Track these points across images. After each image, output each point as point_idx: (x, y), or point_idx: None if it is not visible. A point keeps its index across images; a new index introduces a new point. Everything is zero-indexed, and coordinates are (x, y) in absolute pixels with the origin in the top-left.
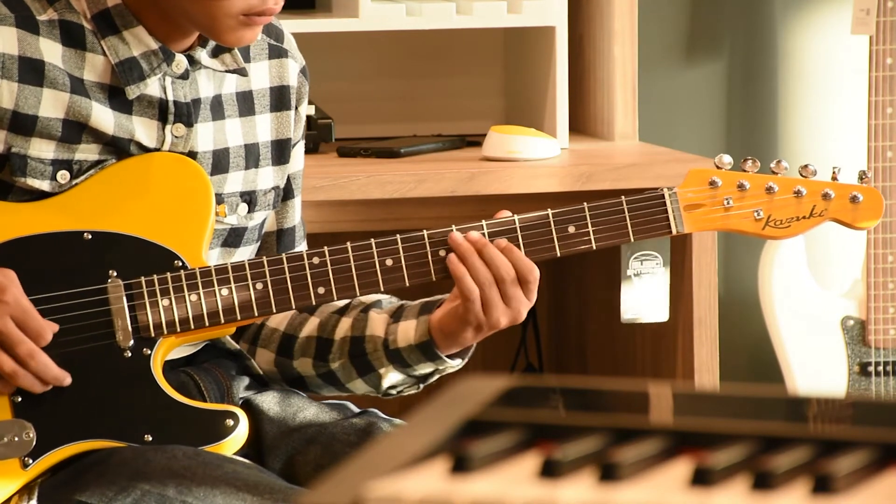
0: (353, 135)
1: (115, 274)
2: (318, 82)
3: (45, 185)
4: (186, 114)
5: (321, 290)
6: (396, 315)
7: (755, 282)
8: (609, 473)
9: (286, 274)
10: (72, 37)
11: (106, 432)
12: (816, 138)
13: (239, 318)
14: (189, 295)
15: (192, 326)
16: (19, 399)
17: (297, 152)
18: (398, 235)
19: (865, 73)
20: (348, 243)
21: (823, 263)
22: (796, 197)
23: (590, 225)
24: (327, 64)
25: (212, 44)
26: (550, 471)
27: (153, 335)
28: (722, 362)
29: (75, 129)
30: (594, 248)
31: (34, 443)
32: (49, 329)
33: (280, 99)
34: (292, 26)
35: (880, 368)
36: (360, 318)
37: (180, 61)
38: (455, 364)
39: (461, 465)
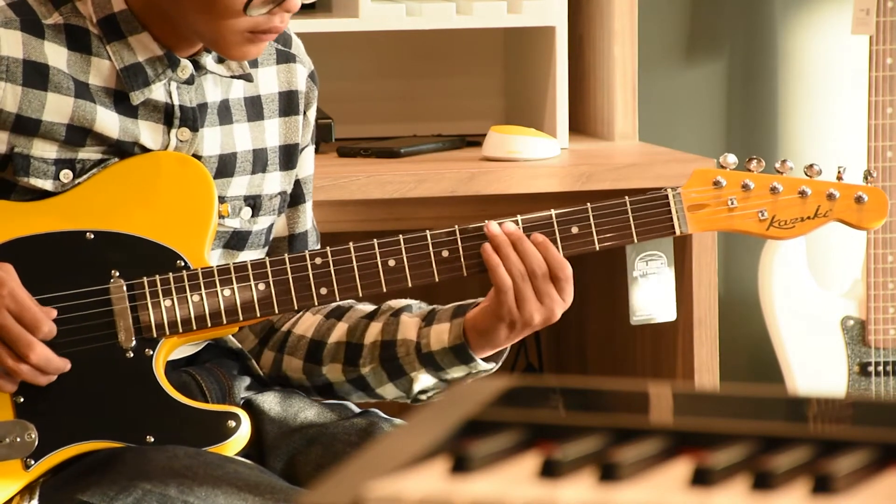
0: (353, 135)
1: (117, 274)
2: (319, 82)
3: (47, 185)
4: (192, 118)
5: (323, 291)
6: (429, 318)
7: (755, 282)
8: (609, 473)
9: (289, 274)
10: (77, 41)
11: (108, 433)
12: (816, 138)
13: (241, 318)
14: (191, 295)
15: (195, 327)
16: (21, 400)
17: (307, 157)
18: (401, 236)
19: (865, 73)
20: (351, 244)
21: (823, 263)
22: (801, 197)
23: (593, 226)
24: (327, 64)
25: None
26: (550, 471)
27: (155, 335)
28: (722, 362)
29: (79, 133)
30: (597, 248)
31: (36, 444)
32: (45, 318)
33: (289, 104)
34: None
35: (880, 368)
36: (391, 321)
37: (186, 67)
38: (488, 367)
39: (461, 465)
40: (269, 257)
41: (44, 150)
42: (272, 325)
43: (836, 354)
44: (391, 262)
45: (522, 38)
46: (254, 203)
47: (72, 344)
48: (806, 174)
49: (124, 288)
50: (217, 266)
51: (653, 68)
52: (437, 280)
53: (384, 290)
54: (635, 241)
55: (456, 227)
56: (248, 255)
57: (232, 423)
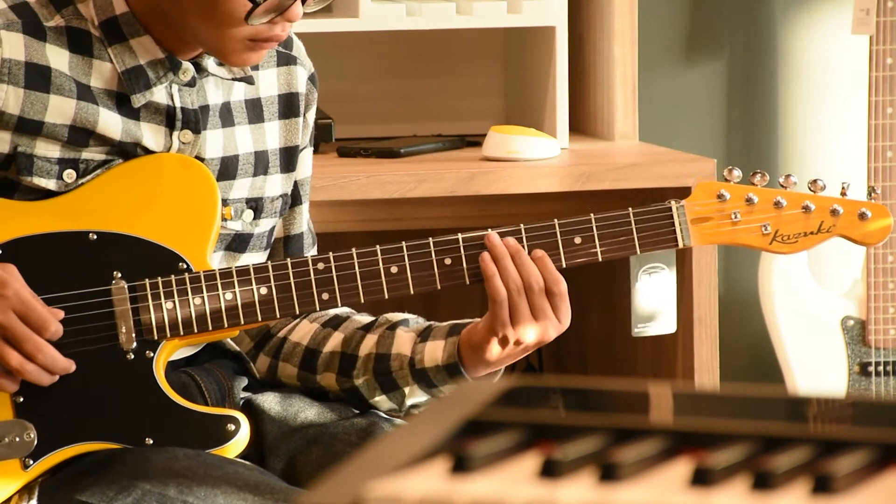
0: (353, 135)
1: (119, 275)
2: (319, 82)
3: (51, 185)
4: (194, 120)
5: (325, 296)
6: (424, 335)
7: (755, 282)
8: (609, 473)
9: (290, 279)
10: (79, 44)
11: (107, 434)
12: (816, 138)
13: (242, 321)
14: (193, 298)
15: (196, 329)
16: (21, 399)
17: (305, 159)
18: (404, 242)
19: (865, 73)
20: (353, 249)
21: (823, 263)
22: (804, 212)
23: (596, 237)
24: (327, 64)
25: None
26: (550, 471)
27: (156, 337)
28: (722, 362)
29: (82, 134)
30: (600, 259)
31: (35, 443)
32: (53, 318)
33: (289, 106)
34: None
35: (880, 368)
36: (386, 335)
37: (187, 69)
38: None
39: (461, 465)
40: (270, 261)
41: (47, 149)
42: (268, 330)
43: (837, 354)
44: (393, 269)
45: (522, 38)
46: (255, 205)
47: (73, 344)
48: (810, 189)
49: (126, 289)
50: (219, 269)
51: (653, 68)
52: (439, 287)
53: (386, 296)
54: (638, 252)
55: (459, 234)
56: (249, 258)
57: (231, 427)
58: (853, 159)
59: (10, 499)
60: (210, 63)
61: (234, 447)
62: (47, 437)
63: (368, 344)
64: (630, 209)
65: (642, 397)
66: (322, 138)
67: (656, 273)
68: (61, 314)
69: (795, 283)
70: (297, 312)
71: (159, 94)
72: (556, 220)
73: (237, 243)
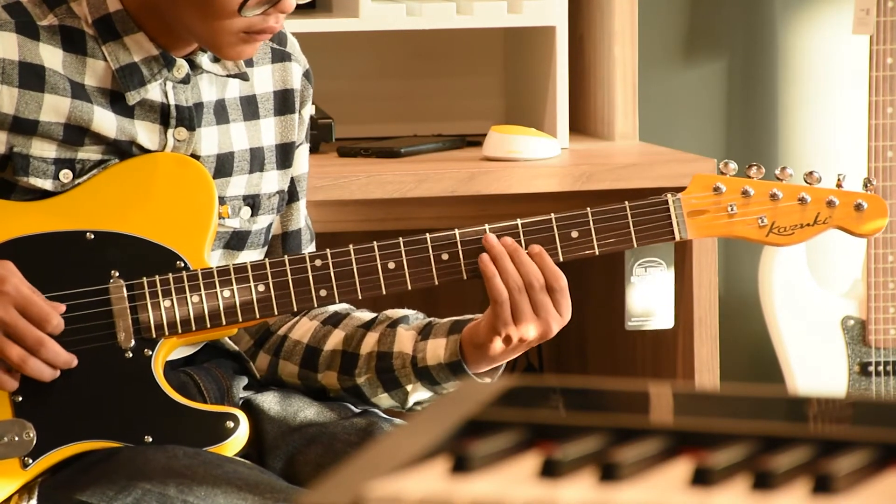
0: (353, 135)
1: (116, 274)
2: (319, 82)
3: (47, 185)
4: (189, 118)
5: (323, 293)
6: (425, 332)
7: (755, 282)
8: (609, 473)
9: (288, 276)
10: (72, 42)
11: (106, 433)
12: (816, 138)
13: (240, 319)
14: (191, 296)
15: (194, 327)
16: (20, 399)
17: (301, 155)
18: (401, 238)
19: (865, 73)
20: (350, 245)
21: (823, 263)
22: (801, 204)
23: (593, 231)
24: (327, 64)
25: None
26: (550, 471)
27: (154, 336)
28: (722, 362)
29: (77, 133)
30: (597, 253)
31: (34, 443)
32: (54, 312)
33: (284, 103)
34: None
35: (880, 368)
36: (387, 333)
37: (181, 66)
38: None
39: (461, 465)
40: (268, 258)
41: (43, 149)
42: (268, 328)
43: (837, 354)
44: (391, 265)
45: (522, 38)
46: (253, 202)
47: (71, 344)
48: (806, 181)
49: (124, 288)
50: (216, 267)
51: (653, 68)
52: (436, 283)
53: (383, 292)
54: (635, 245)
55: (456, 230)
56: (247, 255)
57: (230, 424)
58: (853, 159)
59: (9, 498)
60: (204, 60)
61: (234, 444)
62: (46, 436)
63: (370, 342)
64: (626, 203)
65: (642, 397)
66: (322, 138)
67: (653, 268)
68: (62, 308)
69: (796, 282)
70: (296, 309)
71: (154, 92)
72: (552, 215)
73: (235, 241)
